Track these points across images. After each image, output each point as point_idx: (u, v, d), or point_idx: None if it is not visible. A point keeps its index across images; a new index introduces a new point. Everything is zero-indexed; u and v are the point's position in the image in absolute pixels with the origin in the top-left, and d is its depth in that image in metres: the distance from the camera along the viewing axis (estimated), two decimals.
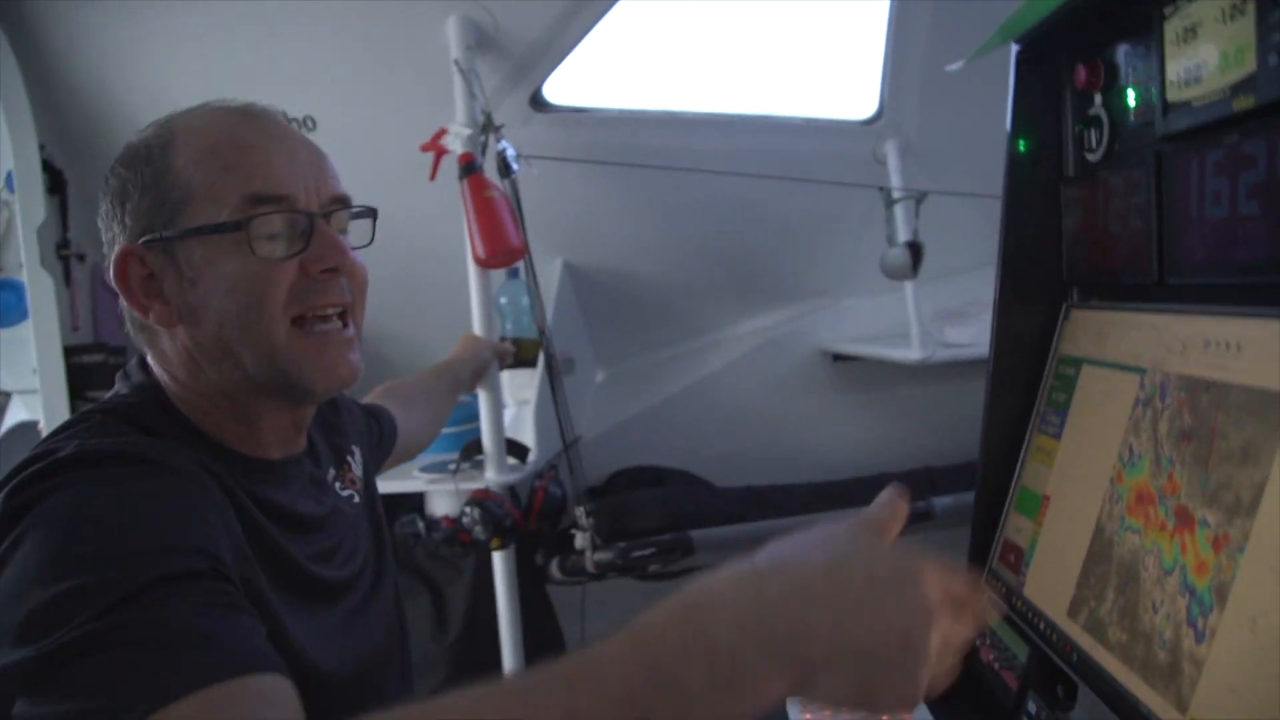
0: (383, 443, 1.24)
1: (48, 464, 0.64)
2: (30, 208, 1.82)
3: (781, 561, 0.49)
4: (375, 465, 1.16)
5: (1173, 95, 0.83)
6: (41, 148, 1.83)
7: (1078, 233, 1.05)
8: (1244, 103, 0.73)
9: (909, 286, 2.17)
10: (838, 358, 2.52)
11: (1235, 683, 0.66)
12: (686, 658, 0.44)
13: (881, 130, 2.20)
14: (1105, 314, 1.00)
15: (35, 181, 1.82)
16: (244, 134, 0.77)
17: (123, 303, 0.79)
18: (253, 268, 0.75)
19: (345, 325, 0.81)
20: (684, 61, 2.15)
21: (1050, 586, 0.95)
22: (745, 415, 2.46)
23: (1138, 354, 0.90)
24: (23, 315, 1.90)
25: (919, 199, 2.04)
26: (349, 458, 1.01)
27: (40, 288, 1.83)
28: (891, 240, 2.10)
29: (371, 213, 0.86)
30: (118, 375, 0.83)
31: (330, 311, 0.80)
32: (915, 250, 2.06)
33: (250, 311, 0.75)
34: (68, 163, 1.94)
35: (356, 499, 0.97)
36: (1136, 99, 0.92)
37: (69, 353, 1.88)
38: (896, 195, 2.07)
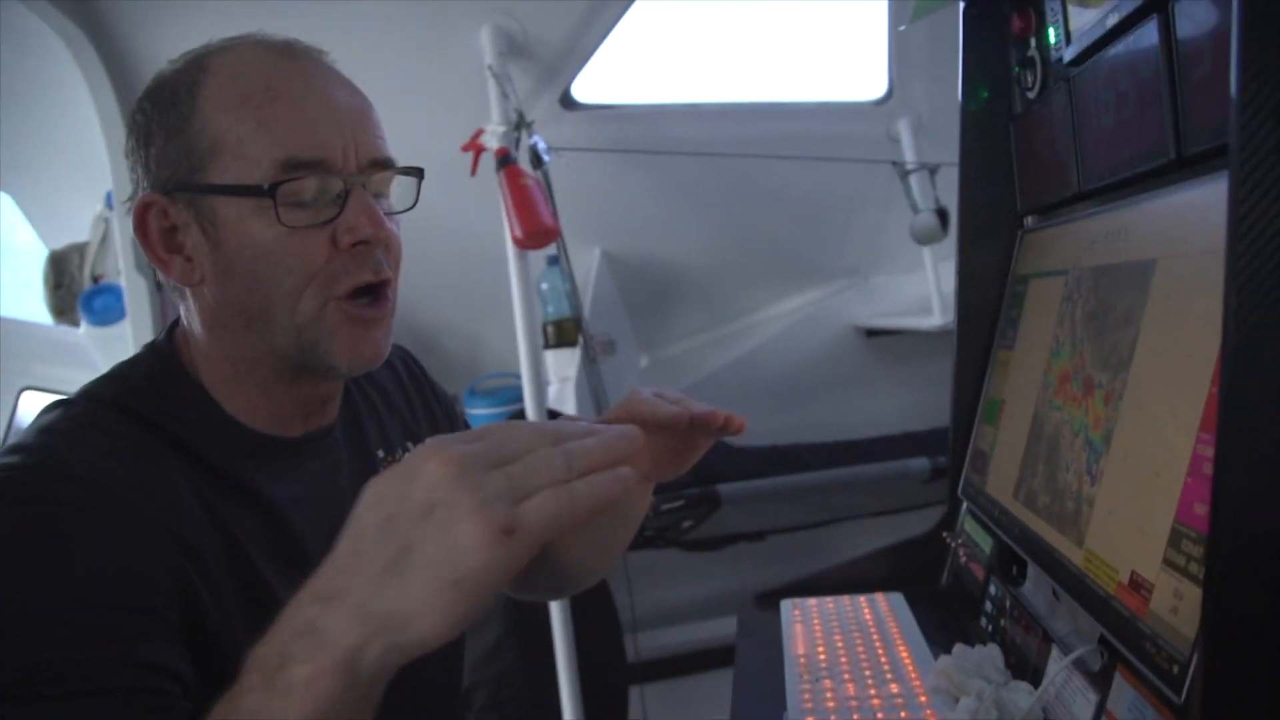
0: None
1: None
2: (126, 218, 2.06)
3: (330, 558, 0.51)
4: None
5: (1073, 24, 0.95)
6: None
7: (1024, 165, 1.16)
8: (1113, 19, 0.84)
9: (929, 261, 2.26)
10: (870, 333, 2.61)
11: (1114, 507, 0.77)
12: (259, 665, 0.50)
13: (893, 109, 2.31)
14: (1046, 232, 1.11)
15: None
16: (281, 81, 0.71)
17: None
18: (282, 236, 0.69)
19: (379, 301, 0.75)
20: (701, 55, 2.30)
21: (1003, 477, 1.06)
22: (781, 391, 2.57)
23: (1063, 259, 1.01)
24: (121, 315, 2.15)
25: (933, 170, 2.15)
26: (408, 446, 0.92)
27: (136, 290, 2.06)
28: (915, 208, 2.21)
29: (417, 173, 0.79)
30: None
31: (365, 285, 0.73)
32: (943, 214, 2.17)
33: (279, 282, 0.70)
34: None
35: None
36: (1056, 36, 1.04)
37: None
38: (910, 167, 2.18)
